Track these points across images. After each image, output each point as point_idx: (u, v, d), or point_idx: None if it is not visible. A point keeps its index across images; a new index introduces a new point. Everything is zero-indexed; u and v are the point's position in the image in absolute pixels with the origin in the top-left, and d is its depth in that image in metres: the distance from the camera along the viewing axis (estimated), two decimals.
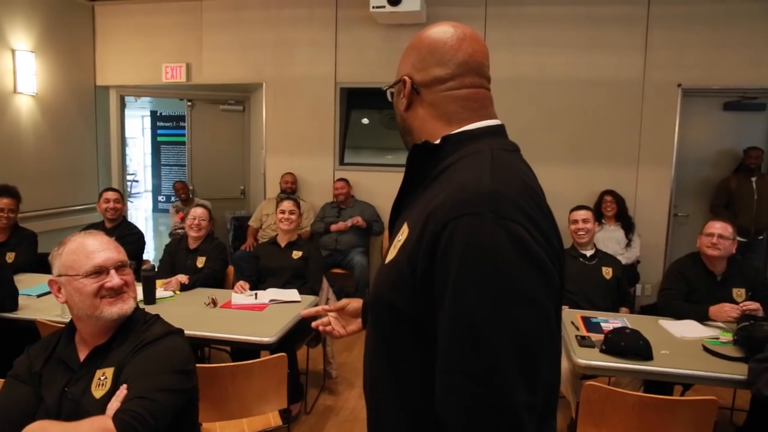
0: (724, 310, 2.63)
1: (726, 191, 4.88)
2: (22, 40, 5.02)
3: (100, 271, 1.43)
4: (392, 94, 1.06)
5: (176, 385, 1.37)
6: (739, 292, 2.83)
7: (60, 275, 1.43)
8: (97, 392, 1.36)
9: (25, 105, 5.09)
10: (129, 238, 3.78)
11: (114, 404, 1.28)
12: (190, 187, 6.32)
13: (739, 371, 2.14)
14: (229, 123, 6.65)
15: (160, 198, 12.16)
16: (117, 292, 1.43)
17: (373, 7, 4.69)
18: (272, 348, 2.44)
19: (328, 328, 1.35)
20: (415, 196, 0.96)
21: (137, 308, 1.52)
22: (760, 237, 4.88)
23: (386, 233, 5.40)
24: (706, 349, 2.34)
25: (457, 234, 0.77)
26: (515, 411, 0.74)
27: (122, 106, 6.29)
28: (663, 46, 4.86)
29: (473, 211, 0.77)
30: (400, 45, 5.11)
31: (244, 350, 2.86)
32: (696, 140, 5.14)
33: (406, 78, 0.97)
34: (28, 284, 3.16)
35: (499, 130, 0.96)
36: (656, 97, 4.91)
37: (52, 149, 5.40)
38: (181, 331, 1.51)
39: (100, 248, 1.45)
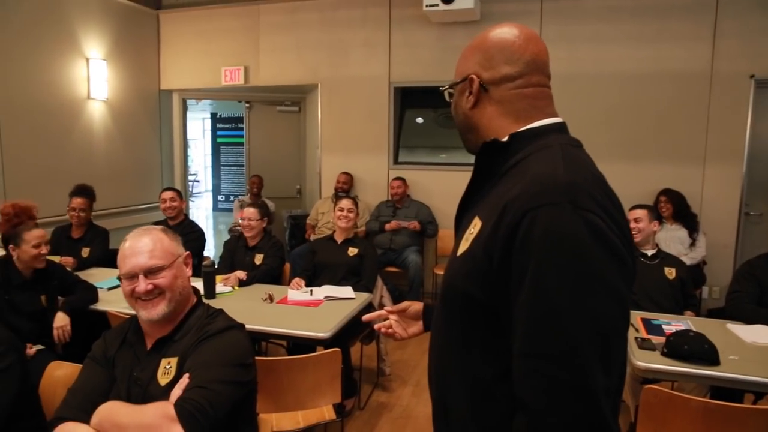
0: None
1: None
2: (95, 48, 5.31)
3: (131, 276, 1.46)
4: (450, 93, 1.08)
5: (235, 377, 1.41)
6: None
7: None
8: (163, 380, 1.43)
9: (97, 110, 5.39)
10: (190, 236, 3.94)
11: (177, 392, 1.35)
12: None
13: None
14: (286, 124, 6.81)
15: (219, 197, 12.58)
16: (148, 296, 1.46)
17: (427, 6, 4.69)
18: (327, 343, 2.49)
19: (390, 330, 1.38)
20: (484, 192, 0.99)
21: (200, 302, 1.58)
22: None
23: (440, 234, 5.39)
24: None
25: (536, 224, 0.80)
26: (594, 393, 0.77)
27: (184, 108, 6.56)
28: (734, 35, 4.61)
29: (551, 202, 0.80)
30: (454, 43, 5.16)
31: (300, 345, 2.93)
32: None
33: (474, 76, 0.99)
34: (100, 278, 3.35)
35: (562, 127, 0.99)
36: (726, 89, 4.67)
37: (120, 151, 5.69)
38: (242, 326, 1.55)
39: (133, 253, 1.47)
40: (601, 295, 0.79)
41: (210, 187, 13.57)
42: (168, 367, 1.44)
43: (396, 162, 5.70)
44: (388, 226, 5.14)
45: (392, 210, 5.31)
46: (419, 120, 5.87)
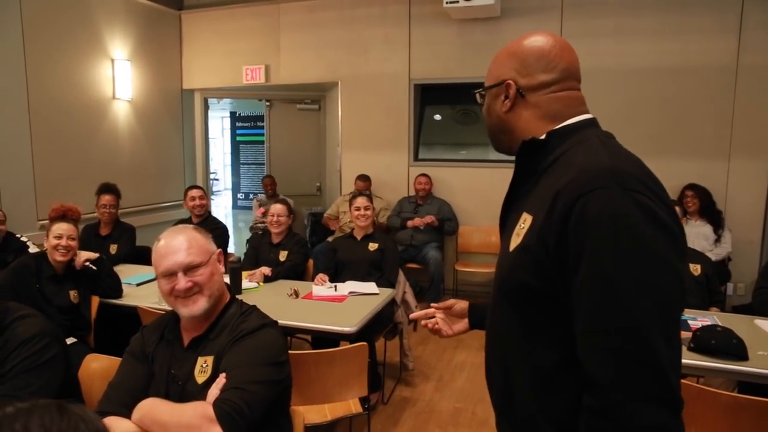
0: None
1: None
2: (120, 49, 5.41)
3: (170, 273, 1.49)
4: (480, 95, 1.14)
5: (271, 377, 1.44)
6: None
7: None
8: (200, 378, 1.46)
9: (122, 110, 5.49)
10: (214, 232, 3.98)
11: (214, 391, 1.37)
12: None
13: None
14: (306, 122, 6.86)
15: (239, 195, 12.70)
16: (187, 293, 1.48)
17: (447, 3, 4.69)
18: (352, 338, 2.52)
19: (436, 326, 1.41)
20: (526, 189, 1.04)
21: (234, 299, 1.61)
22: None
23: (461, 230, 5.40)
24: None
25: (588, 207, 0.84)
26: (661, 365, 0.80)
27: (206, 107, 6.64)
28: (760, 27, 4.54)
29: (601, 186, 0.85)
30: (474, 40, 5.16)
31: (324, 339, 2.96)
32: None
33: (511, 82, 1.05)
34: (128, 274, 3.43)
35: (595, 122, 1.05)
36: (752, 82, 4.59)
37: (144, 150, 5.79)
38: (275, 323, 1.58)
39: (170, 251, 1.49)
40: (656, 269, 0.83)
41: (229, 185, 13.70)
42: (204, 365, 1.47)
43: (416, 159, 5.71)
44: (409, 223, 5.16)
45: (414, 206, 5.33)
46: (437, 117, 5.87)
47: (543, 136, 1.03)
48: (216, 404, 1.32)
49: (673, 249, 0.85)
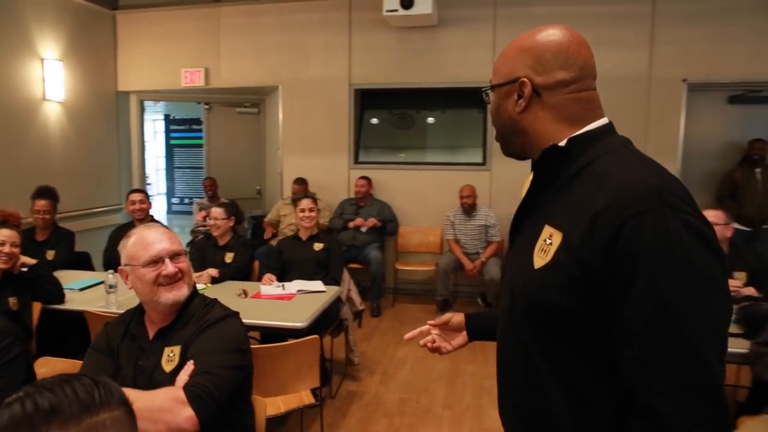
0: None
1: (731, 182, 5.01)
2: (51, 49, 5.24)
3: (157, 260, 1.57)
4: (487, 94, 1.08)
5: (236, 362, 1.53)
6: (740, 275, 2.98)
7: (126, 265, 1.61)
8: (167, 366, 1.53)
9: (53, 111, 5.31)
10: None
11: (183, 377, 1.45)
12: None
13: (740, 346, 2.28)
14: (245, 125, 6.86)
15: (173, 200, 12.39)
16: (173, 279, 1.57)
17: (387, 11, 4.87)
18: (303, 333, 2.62)
19: (434, 345, 1.37)
20: (546, 198, 0.99)
21: (196, 293, 1.69)
22: (765, 226, 5.01)
23: (400, 231, 5.58)
24: None
25: (640, 230, 0.81)
26: (718, 389, 0.79)
27: (142, 110, 6.51)
28: (668, 43, 5.00)
29: (650, 208, 0.81)
30: (412, 47, 5.38)
31: (272, 336, 3.04)
32: (702, 134, 5.28)
33: (526, 80, 0.97)
34: (69, 280, 3.36)
35: (613, 128, 1.00)
36: (662, 92, 5.05)
37: (77, 153, 5.62)
38: (237, 314, 1.68)
39: (155, 240, 1.59)
40: (712, 293, 0.81)
41: (163, 189, 13.33)
42: (171, 354, 1.54)
43: (356, 162, 5.85)
44: (351, 224, 5.29)
45: (355, 208, 5.47)
46: (374, 120, 6.04)
47: (563, 143, 0.97)
48: (186, 388, 1.39)
49: (720, 268, 0.83)
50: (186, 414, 1.35)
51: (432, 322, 1.39)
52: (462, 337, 1.37)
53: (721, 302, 0.82)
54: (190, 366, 1.47)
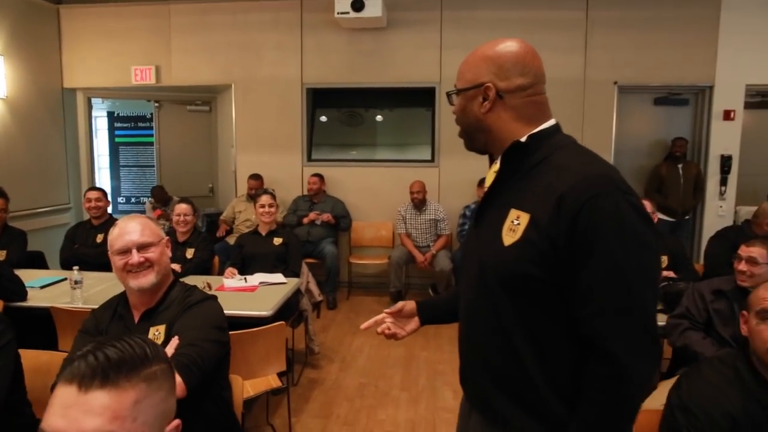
0: None
1: (657, 177, 5.46)
2: None
3: (125, 250, 1.69)
4: (453, 96, 1.22)
5: (218, 337, 1.69)
6: (661, 259, 3.33)
7: (109, 251, 1.73)
8: None
9: None
10: None
11: (169, 350, 1.59)
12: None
13: (659, 320, 2.60)
14: (196, 123, 6.86)
15: (119, 199, 12.07)
16: (137, 268, 1.69)
17: (338, 13, 5.03)
18: (267, 322, 2.76)
19: (389, 332, 1.47)
20: (509, 187, 1.15)
21: (177, 280, 1.82)
22: (687, 217, 5.50)
23: (354, 226, 5.77)
24: None
25: (597, 209, 1.00)
26: (656, 331, 1.04)
27: (89, 108, 6.41)
28: (600, 47, 5.41)
29: (603, 191, 1.01)
30: (362, 48, 5.59)
31: (237, 324, 3.14)
32: (631, 132, 5.72)
33: (490, 85, 1.14)
34: (26, 279, 3.33)
35: (560, 127, 1.19)
36: (596, 93, 5.45)
37: (22, 152, 5.49)
38: (215, 297, 1.83)
39: (124, 232, 1.71)
40: (649, 255, 1.03)
41: (108, 188, 12.95)
42: (157, 333, 1.68)
43: (309, 159, 5.99)
44: (305, 219, 5.43)
45: (309, 204, 5.61)
46: (323, 119, 6.19)
47: (524, 139, 1.13)
48: (174, 358, 1.54)
49: (653, 236, 1.05)
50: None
51: (387, 310, 1.50)
52: (414, 323, 1.49)
53: (654, 261, 1.08)
54: (175, 340, 1.61)
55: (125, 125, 11.83)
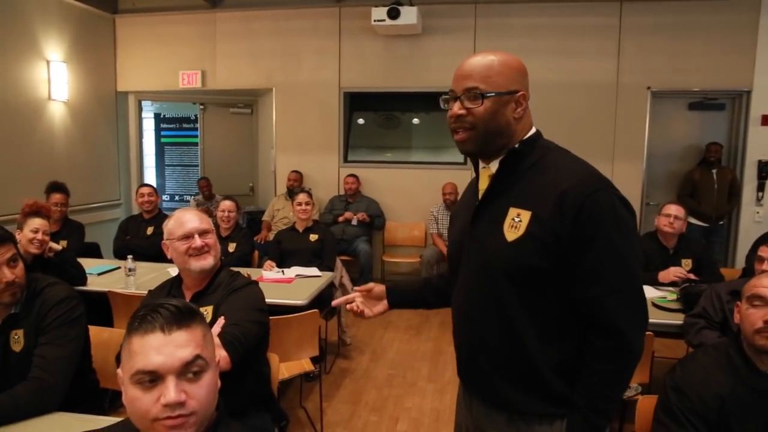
0: (670, 272, 3.20)
1: (691, 182, 5.45)
2: (55, 51, 5.51)
3: (188, 236, 1.91)
4: (484, 97, 1.22)
5: (259, 318, 1.89)
6: (686, 262, 3.39)
7: (167, 239, 1.96)
8: None
9: (57, 111, 5.59)
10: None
11: (216, 329, 1.79)
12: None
13: (677, 319, 2.68)
14: (238, 125, 7.18)
15: (164, 197, 12.57)
16: (200, 251, 1.91)
17: (375, 21, 5.23)
18: (302, 310, 2.97)
19: (357, 309, 1.52)
20: (507, 187, 1.25)
21: (223, 266, 2.04)
22: (721, 222, 5.47)
23: (387, 225, 5.95)
24: (655, 305, 2.89)
25: (597, 204, 1.14)
26: (647, 307, 1.21)
27: (140, 110, 6.80)
28: (633, 53, 5.44)
29: (599, 188, 1.16)
30: (398, 53, 5.80)
31: (274, 313, 3.36)
32: (664, 137, 5.72)
33: (525, 93, 1.25)
34: (85, 267, 3.66)
35: (540, 133, 1.32)
36: (628, 98, 5.49)
37: (80, 151, 5.90)
38: (257, 282, 2.05)
39: (188, 220, 1.94)
40: (636, 242, 1.21)
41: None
42: (205, 313, 1.88)
43: (346, 160, 6.21)
44: (341, 218, 5.65)
45: (345, 204, 5.83)
46: (361, 121, 6.40)
47: (517, 145, 1.25)
48: (221, 335, 1.74)
49: (635, 225, 1.22)
50: (221, 354, 1.71)
51: (357, 288, 1.57)
52: (382, 305, 1.54)
53: (639, 248, 1.26)
54: (221, 320, 1.82)
55: (171, 126, 12.36)
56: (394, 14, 5.16)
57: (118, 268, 3.66)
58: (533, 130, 1.29)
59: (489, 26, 5.65)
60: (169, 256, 1.98)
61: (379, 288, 1.56)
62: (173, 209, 5.63)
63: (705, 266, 3.43)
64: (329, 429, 3.04)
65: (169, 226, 1.96)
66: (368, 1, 5.49)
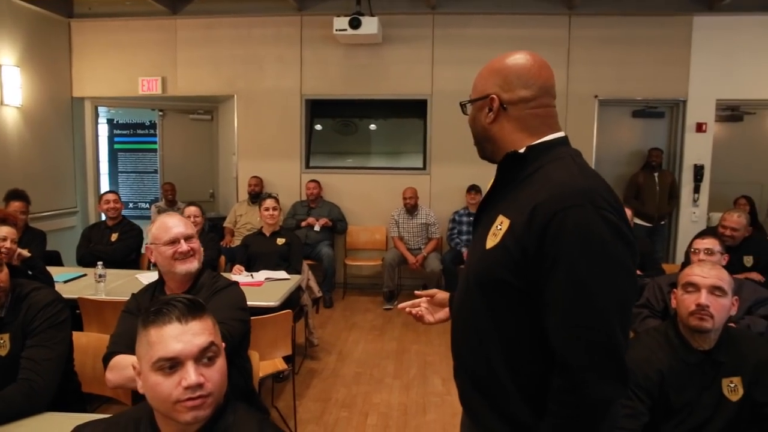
0: None
1: (635, 185, 5.82)
2: (7, 55, 5.39)
3: (174, 241, 1.99)
4: (465, 106, 1.26)
5: (242, 316, 2.00)
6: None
7: (151, 243, 2.03)
8: None
9: (11, 116, 5.46)
10: (130, 233, 4.32)
11: None
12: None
13: None
14: (198, 131, 7.16)
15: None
16: (185, 255, 1.99)
17: (337, 30, 5.36)
18: (273, 312, 3.06)
19: (420, 313, 1.49)
20: (505, 194, 1.17)
21: (205, 268, 2.13)
22: (663, 222, 5.86)
23: (349, 230, 6.08)
24: None
25: (565, 222, 1.00)
26: (618, 350, 1.01)
27: (96, 116, 6.70)
28: (582, 63, 5.78)
29: (575, 204, 1.01)
30: (358, 62, 5.98)
31: None
32: (611, 143, 6.09)
33: (494, 96, 1.17)
34: None
35: (566, 140, 1.19)
36: (577, 106, 5.80)
37: (34, 157, 5.77)
38: (237, 283, 2.14)
39: (174, 225, 2.01)
40: (618, 274, 1.01)
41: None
42: None
43: (307, 166, 6.31)
44: (303, 223, 5.74)
45: (307, 209, 5.92)
46: (318, 127, 6.52)
47: (522, 150, 1.14)
48: None
49: (630, 255, 1.03)
50: None
51: (420, 292, 1.54)
52: (444, 312, 1.49)
53: (626, 282, 1.03)
54: (212, 315, 1.91)
55: (125, 132, 12.14)
56: (355, 24, 5.31)
57: (84, 275, 3.66)
58: (552, 136, 1.17)
59: (447, 36, 5.88)
60: (152, 260, 2.05)
61: (442, 295, 1.51)
62: (131, 218, 5.63)
63: (648, 262, 3.72)
64: (302, 426, 3.14)
65: (154, 231, 2.03)
66: (330, 11, 5.63)
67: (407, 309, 1.52)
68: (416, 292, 1.56)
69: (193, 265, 2.02)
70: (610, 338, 1.00)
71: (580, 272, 0.99)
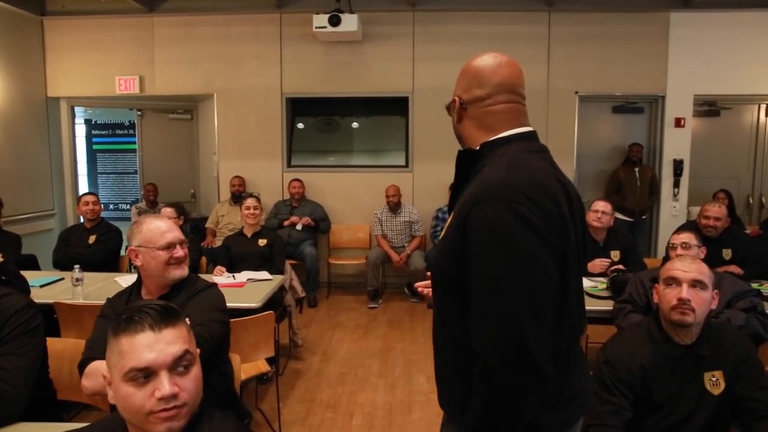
0: (596, 263, 3.49)
1: (616, 180, 5.86)
2: None
3: (170, 246, 1.95)
4: (448, 108, 1.31)
5: (221, 318, 1.97)
6: (615, 253, 3.69)
7: (140, 246, 1.97)
8: None
9: None
10: (109, 234, 4.24)
11: None
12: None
13: (609, 305, 2.93)
14: (178, 131, 7.06)
15: None
16: (180, 261, 1.98)
17: (316, 27, 5.31)
18: (256, 313, 3.02)
19: (428, 293, 1.44)
20: (463, 190, 1.20)
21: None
22: (644, 217, 5.91)
23: (332, 229, 6.05)
24: (588, 294, 3.14)
25: (478, 216, 1.05)
26: (524, 340, 0.99)
27: (72, 116, 6.56)
28: (562, 60, 5.80)
29: (489, 198, 1.05)
30: (338, 59, 5.94)
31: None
32: (591, 138, 6.12)
33: (456, 98, 1.24)
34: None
35: (528, 135, 1.21)
36: (558, 102, 5.84)
37: (7, 159, 5.63)
38: (216, 285, 2.11)
39: (168, 229, 1.98)
40: (529, 266, 1.02)
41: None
42: None
43: (289, 165, 6.25)
44: (286, 222, 5.69)
45: (289, 209, 5.87)
46: (300, 126, 6.47)
47: (478, 147, 1.20)
48: None
49: (543, 248, 1.03)
50: None
51: (420, 284, 1.52)
52: None
53: (538, 273, 1.03)
54: (186, 321, 1.87)
55: (103, 132, 11.94)
56: (335, 21, 5.27)
57: (61, 279, 3.58)
58: (508, 132, 1.19)
59: (427, 33, 5.86)
60: (137, 263, 1.99)
61: None
62: (111, 219, 5.55)
63: (630, 257, 3.74)
64: (286, 428, 3.11)
65: (145, 233, 1.97)
66: (309, 8, 5.58)
67: (424, 291, 1.48)
68: (416, 285, 1.55)
69: (184, 270, 2.00)
70: (517, 328, 1.00)
71: (488, 265, 1.03)
